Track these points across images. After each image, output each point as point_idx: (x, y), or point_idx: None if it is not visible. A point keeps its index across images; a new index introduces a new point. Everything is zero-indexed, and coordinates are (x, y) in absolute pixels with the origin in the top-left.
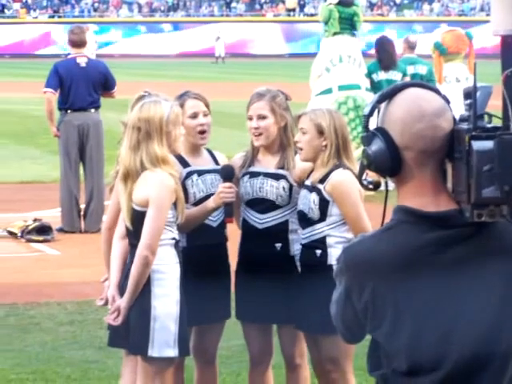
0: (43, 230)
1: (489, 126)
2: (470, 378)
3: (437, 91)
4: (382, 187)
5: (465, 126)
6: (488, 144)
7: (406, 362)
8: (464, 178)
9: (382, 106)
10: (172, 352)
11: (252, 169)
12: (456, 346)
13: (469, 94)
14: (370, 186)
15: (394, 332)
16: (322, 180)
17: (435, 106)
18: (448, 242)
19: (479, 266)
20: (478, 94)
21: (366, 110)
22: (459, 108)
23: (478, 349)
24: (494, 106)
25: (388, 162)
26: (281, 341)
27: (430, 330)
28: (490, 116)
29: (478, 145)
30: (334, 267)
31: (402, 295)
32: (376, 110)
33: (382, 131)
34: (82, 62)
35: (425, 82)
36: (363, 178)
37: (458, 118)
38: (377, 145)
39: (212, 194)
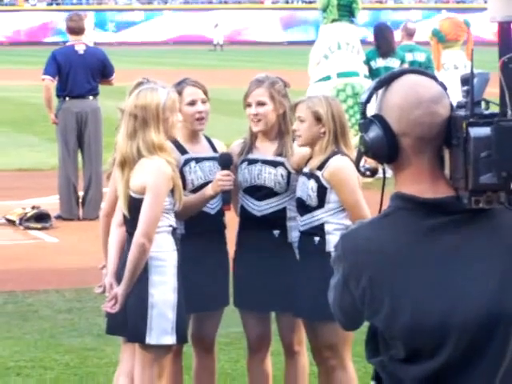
0: (41, 218)
1: (486, 112)
2: (467, 365)
3: (434, 78)
4: (380, 174)
5: (462, 112)
6: (485, 130)
7: (405, 349)
8: (461, 164)
9: (380, 92)
10: (170, 339)
11: (250, 156)
12: (457, 321)
13: (466, 81)
14: (368, 173)
15: (393, 317)
16: (320, 167)
17: (432, 92)
18: (446, 228)
19: (477, 251)
20: (476, 80)
21: (364, 97)
22: (457, 95)
23: (478, 329)
24: (492, 93)
25: (385, 148)
26: (279, 328)
27: (429, 313)
28: (488, 102)
29: (475, 131)
30: (332, 254)
31: (400, 281)
32: (374, 97)
33: (379, 118)
34: (81, 49)
35: (422, 69)
36: (361, 164)
37: (455, 104)
38: (374, 131)
39: (210, 182)
